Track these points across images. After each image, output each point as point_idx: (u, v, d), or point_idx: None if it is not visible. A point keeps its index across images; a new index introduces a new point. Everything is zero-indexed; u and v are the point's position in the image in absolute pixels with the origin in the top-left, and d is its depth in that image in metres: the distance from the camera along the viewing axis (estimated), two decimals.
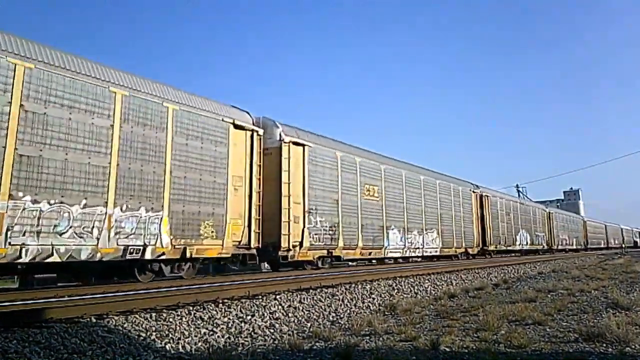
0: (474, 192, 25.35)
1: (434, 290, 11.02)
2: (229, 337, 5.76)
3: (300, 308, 7.63)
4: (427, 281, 12.23)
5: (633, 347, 5.00)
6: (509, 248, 29.06)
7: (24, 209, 7.17)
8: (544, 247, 36.40)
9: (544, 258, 27.47)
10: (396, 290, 10.39)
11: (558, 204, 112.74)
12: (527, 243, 32.58)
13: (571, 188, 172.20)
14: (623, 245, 71.82)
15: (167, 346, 5.19)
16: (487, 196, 26.60)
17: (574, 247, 45.67)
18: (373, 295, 9.48)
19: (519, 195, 50.32)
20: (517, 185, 55.62)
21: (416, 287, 11.10)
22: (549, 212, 39.18)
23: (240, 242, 10.78)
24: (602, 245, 59.70)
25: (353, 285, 10.21)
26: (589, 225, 54.59)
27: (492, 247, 25.98)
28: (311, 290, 9.06)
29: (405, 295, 10.03)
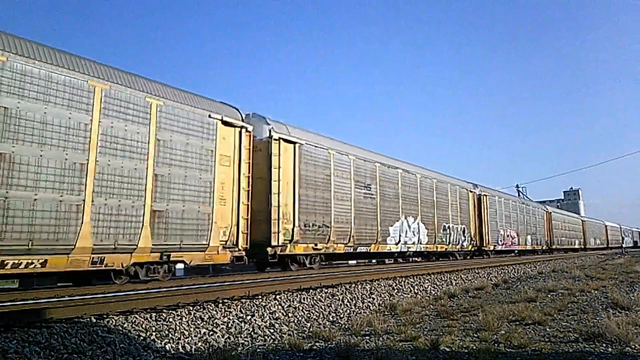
0: (226, 123, 10.60)
1: (434, 290, 11.02)
2: (229, 337, 5.76)
3: (300, 308, 7.63)
4: (427, 281, 12.23)
5: (633, 347, 5.00)
6: (369, 250, 15.59)
7: None
8: (462, 247, 22.14)
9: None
10: (396, 290, 10.39)
11: (558, 204, 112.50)
12: (418, 240, 18.24)
13: (571, 188, 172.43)
14: (623, 245, 70.30)
15: (167, 346, 5.19)
16: (296, 144, 12.60)
17: (529, 247, 31.51)
18: (373, 295, 9.48)
19: (519, 195, 49.20)
20: (517, 185, 55.61)
21: (416, 287, 11.10)
22: (479, 195, 24.36)
23: None
24: (576, 246, 45.37)
25: (353, 285, 10.21)
26: (556, 218, 39.74)
27: (299, 249, 12.35)
28: (311, 290, 9.05)
29: (405, 295, 10.03)
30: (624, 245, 69.75)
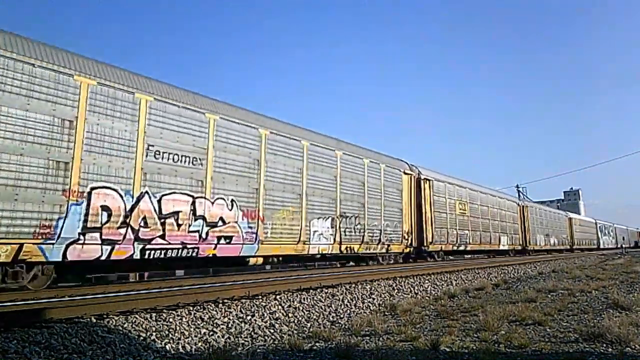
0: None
1: (434, 290, 11.02)
2: (229, 337, 5.76)
3: (300, 308, 7.63)
4: (427, 281, 12.23)
5: (633, 347, 5.00)
6: None
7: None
8: None
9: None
10: (396, 290, 10.39)
11: (558, 204, 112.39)
12: None
13: (571, 188, 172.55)
14: (623, 246, 68.01)
15: (167, 346, 5.19)
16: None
17: (323, 247, 12.69)
18: (373, 296, 9.48)
19: (519, 195, 49.00)
20: (517, 185, 55.56)
21: (416, 287, 11.10)
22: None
23: None
24: (505, 246, 27.07)
25: (353, 285, 10.21)
26: (443, 191, 20.45)
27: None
28: (311, 290, 9.06)
29: (405, 296, 10.03)
30: (602, 246, 55.28)
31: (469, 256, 24.80)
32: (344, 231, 13.70)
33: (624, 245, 67.86)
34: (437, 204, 19.74)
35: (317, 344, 5.38)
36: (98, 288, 7.88)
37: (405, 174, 17.80)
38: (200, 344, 5.42)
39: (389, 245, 16.06)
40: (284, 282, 9.63)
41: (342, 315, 7.62)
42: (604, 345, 5.08)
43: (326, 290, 9.19)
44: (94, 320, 5.66)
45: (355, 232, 14.25)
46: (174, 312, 6.44)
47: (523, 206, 31.90)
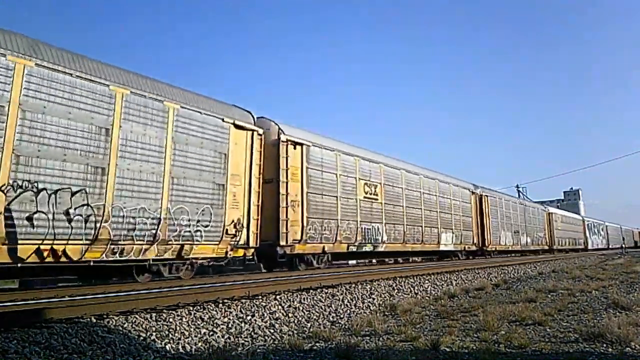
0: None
1: (434, 290, 11.02)
2: (229, 337, 5.76)
3: (300, 308, 7.62)
4: (427, 281, 12.23)
5: (633, 347, 5.00)
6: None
7: None
8: None
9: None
10: (396, 291, 10.39)
11: (558, 204, 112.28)
12: None
13: (571, 188, 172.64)
14: (623, 246, 67.52)
15: (167, 346, 5.19)
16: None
17: None
18: (373, 296, 9.48)
19: (519, 195, 48.70)
20: (517, 185, 55.54)
21: (416, 287, 11.10)
22: None
23: None
24: (447, 245, 20.42)
25: (353, 285, 10.21)
26: (328, 166, 13.78)
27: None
28: (311, 291, 9.05)
29: (405, 296, 10.03)
30: (590, 247, 49.01)
31: (390, 260, 18.33)
32: (17, 219, 6.92)
33: (624, 245, 67.29)
34: (317, 182, 13.34)
35: (317, 344, 5.38)
36: (98, 288, 7.88)
37: (239, 128, 10.96)
38: (200, 344, 5.42)
39: (183, 246, 9.41)
40: (284, 282, 9.62)
41: (342, 315, 7.62)
42: (604, 345, 5.08)
43: (326, 290, 9.19)
44: (94, 320, 5.66)
45: (64, 220, 7.46)
46: (174, 312, 6.44)
47: (481, 195, 25.20)
